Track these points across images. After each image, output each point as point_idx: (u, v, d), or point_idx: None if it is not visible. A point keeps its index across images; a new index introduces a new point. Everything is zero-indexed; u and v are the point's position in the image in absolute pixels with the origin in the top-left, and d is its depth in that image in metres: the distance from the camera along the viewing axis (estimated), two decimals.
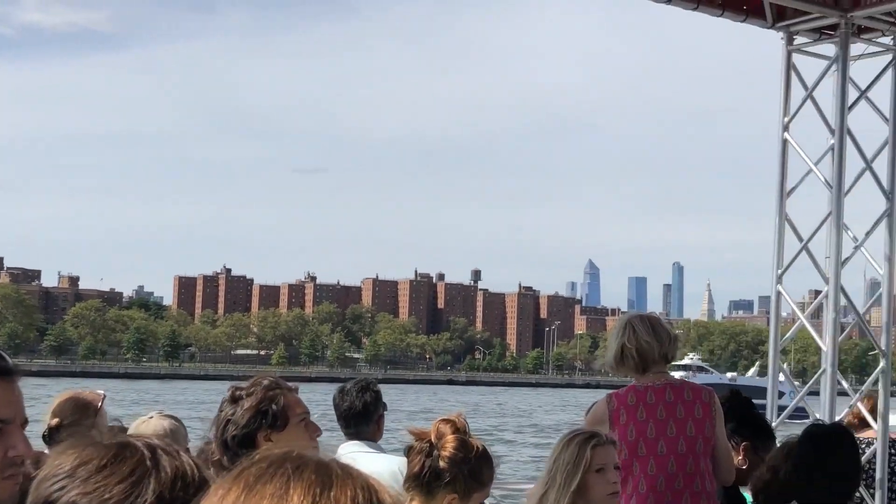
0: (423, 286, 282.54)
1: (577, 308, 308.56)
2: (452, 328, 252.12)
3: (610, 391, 5.15)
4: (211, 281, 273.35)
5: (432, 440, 3.43)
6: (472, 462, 3.41)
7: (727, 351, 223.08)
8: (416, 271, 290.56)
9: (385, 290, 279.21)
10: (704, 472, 4.96)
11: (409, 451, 3.48)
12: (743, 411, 5.66)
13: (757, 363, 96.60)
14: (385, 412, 5.61)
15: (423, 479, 3.39)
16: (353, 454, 5.14)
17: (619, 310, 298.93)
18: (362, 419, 5.41)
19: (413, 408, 64.45)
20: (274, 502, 1.21)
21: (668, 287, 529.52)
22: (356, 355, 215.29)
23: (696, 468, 4.93)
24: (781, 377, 7.31)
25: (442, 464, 3.37)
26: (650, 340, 5.04)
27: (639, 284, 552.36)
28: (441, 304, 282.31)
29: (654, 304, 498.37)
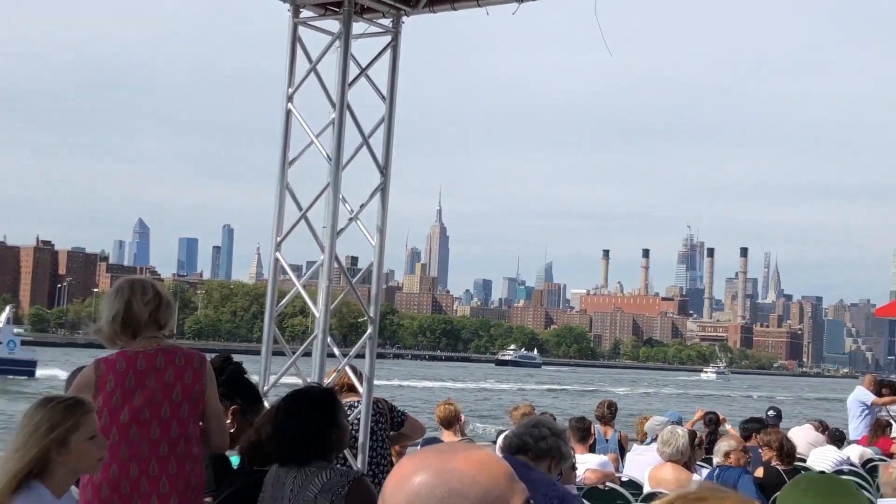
0: None
1: (103, 266, 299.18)
2: None
3: (99, 357, 5.00)
4: None
5: None
6: None
7: (249, 312, 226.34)
8: None
9: None
10: (191, 437, 4.95)
11: None
12: (232, 375, 5.72)
13: (6, 310, 78.35)
14: None
15: None
16: None
17: (146, 268, 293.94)
18: None
19: None
20: None
21: (217, 249, 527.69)
22: None
23: (183, 432, 4.91)
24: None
25: None
26: (141, 305, 4.95)
27: (189, 245, 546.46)
28: None
29: (204, 266, 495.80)
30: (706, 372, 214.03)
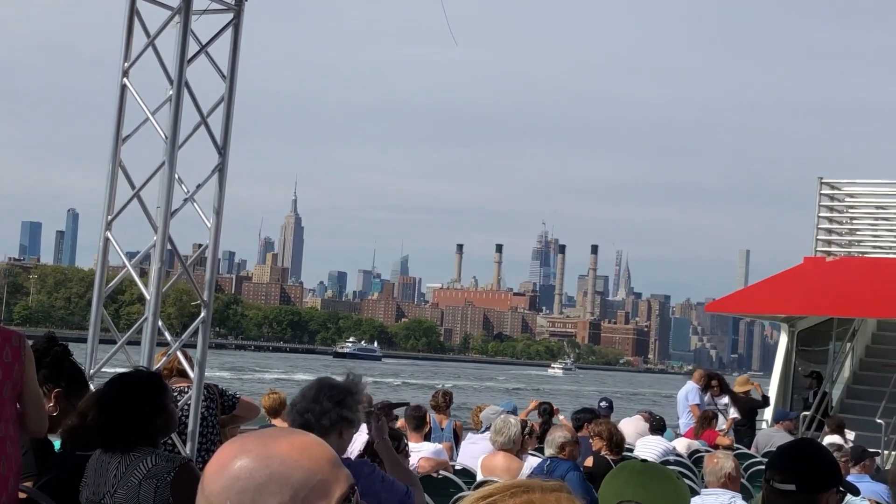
0: None
1: None
2: None
3: None
4: None
5: None
6: None
7: (84, 299, 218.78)
8: None
9: None
10: (10, 418, 4.80)
11: None
12: (57, 357, 5.56)
13: None
14: None
15: None
16: None
17: None
18: None
19: None
20: None
21: (61, 234, 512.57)
22: None
23: (3, 414, 4.76)
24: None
25: None
26: None
27: (33, 229, 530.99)
28: None
29: (47, 251, 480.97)
30: (553, 367, 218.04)
